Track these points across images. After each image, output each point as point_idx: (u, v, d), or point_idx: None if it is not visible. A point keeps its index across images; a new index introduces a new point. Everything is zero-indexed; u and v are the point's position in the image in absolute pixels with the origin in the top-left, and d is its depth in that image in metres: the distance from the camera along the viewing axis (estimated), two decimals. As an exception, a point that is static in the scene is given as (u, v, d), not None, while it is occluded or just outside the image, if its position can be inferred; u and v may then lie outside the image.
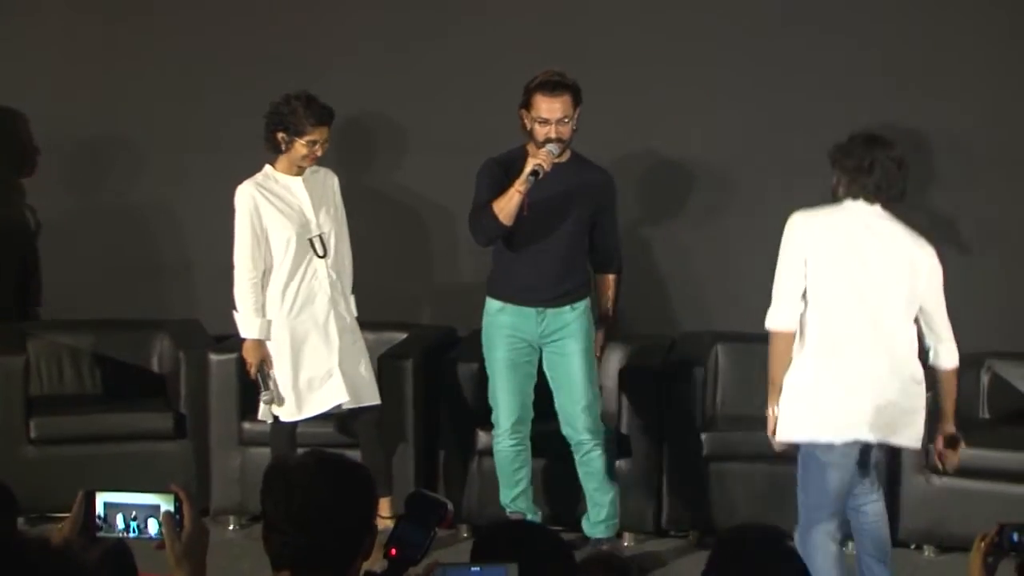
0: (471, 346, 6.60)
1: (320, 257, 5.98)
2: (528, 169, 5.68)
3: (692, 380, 6.33)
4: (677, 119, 6.84)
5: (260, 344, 5.99)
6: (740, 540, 3.44)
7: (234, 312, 6.02)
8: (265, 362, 5.99)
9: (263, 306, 5.97)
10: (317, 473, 2.94)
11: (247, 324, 6.00)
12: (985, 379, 6.54)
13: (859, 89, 6.71)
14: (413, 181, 7.12)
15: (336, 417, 6.27)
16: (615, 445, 6.18)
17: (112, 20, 7.23)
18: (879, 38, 6.75)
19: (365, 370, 6.11)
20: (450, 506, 3.01)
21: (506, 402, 5.99)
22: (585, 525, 6.08)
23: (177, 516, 2.95)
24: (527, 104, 5.83)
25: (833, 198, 5.19)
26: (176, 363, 6.68)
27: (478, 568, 2.99)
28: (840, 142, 5.24)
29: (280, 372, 5.99)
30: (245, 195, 5.95)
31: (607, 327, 6.14)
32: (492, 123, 6.73)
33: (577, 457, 6.03)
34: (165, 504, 2.96)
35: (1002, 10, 6.70)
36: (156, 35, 7.18)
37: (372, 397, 6.12)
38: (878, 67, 6.74)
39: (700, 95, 6.84)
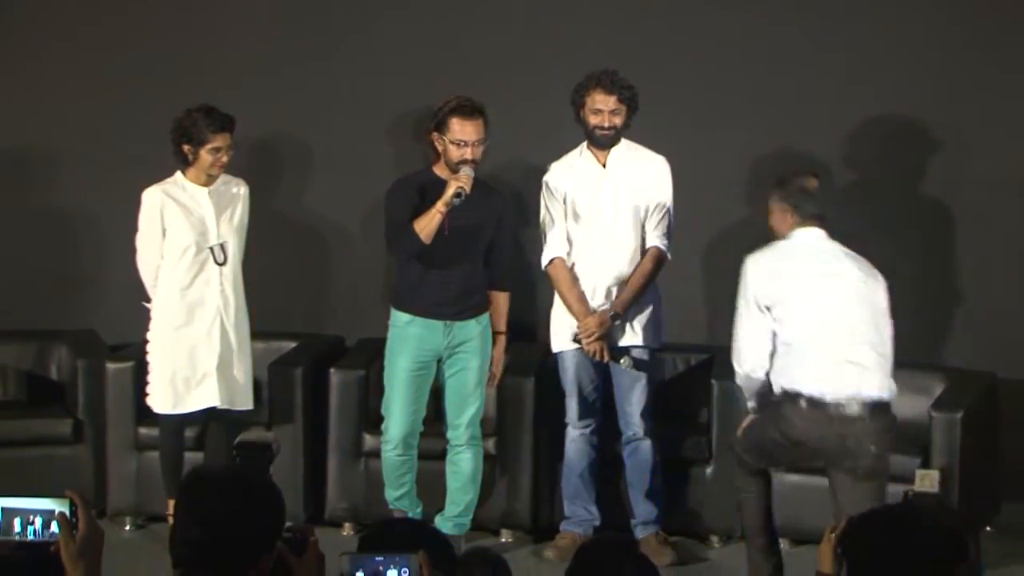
0: (358, 355, 6.85)
1: (219, 264, 6.28)
2: (451, 191, 5.96)
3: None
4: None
5: None
6: (597, 547, 3.69)
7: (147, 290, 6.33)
8: None
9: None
10: (232, 480, 3.09)
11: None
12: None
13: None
14: (309, 198, 7.30)
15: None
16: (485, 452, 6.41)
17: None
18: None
19: (242, 375, 6.36)
20: (275, 445, 3.19)
21: (399, 415, 6.25)
22: (438, 519, 6.31)
23: (73, 519, 3.01)
24: (440, 127, 6.09)
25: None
26: (74, 371, 6.78)
27: (383, 557, 3.13)
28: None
29: (162, 366, 6.26)
30: (152, 199, 6.24)
31: (503, 346, 6.39)
32: (384, 145, 7.02)
33: (448, 455, 6.34)
34: (61, 508, 3.03)
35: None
36: (77, 45, 7.25)
37: (245, 403, 6.38)
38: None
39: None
